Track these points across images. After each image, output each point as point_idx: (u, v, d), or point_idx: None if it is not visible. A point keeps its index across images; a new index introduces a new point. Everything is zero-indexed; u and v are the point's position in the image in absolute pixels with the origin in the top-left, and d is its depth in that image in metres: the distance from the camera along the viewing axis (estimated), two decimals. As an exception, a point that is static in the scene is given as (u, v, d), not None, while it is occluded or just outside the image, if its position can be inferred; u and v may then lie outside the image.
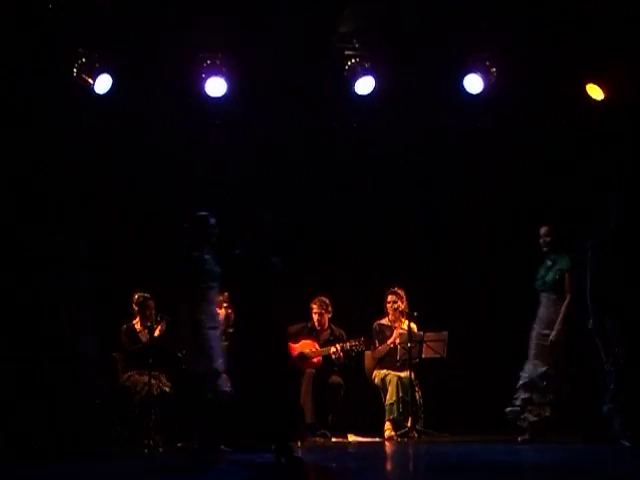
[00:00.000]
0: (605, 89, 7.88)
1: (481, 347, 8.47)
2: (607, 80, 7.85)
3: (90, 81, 7.46)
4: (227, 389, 6.28)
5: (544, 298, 7.17)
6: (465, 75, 7.89)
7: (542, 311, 7.16)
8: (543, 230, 7.24)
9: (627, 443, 6.24)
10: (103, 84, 7.51)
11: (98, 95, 7.53)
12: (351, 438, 7.77)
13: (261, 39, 7.29)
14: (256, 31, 7.22)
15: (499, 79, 7.86)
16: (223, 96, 7.79)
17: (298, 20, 7.10)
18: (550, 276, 7.15)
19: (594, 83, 7.89)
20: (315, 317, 8.16)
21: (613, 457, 5.95)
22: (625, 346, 6.31)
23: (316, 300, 8.17)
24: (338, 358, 7.96)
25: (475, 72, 7.86)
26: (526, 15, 7.33)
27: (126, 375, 7.37)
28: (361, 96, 7.91)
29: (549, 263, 7.20)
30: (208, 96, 7.76)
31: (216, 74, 7.65)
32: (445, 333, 8.19)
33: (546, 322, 7.11)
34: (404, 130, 8.27)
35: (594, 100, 7.96)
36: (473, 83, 7.90)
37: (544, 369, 7.02)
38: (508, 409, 7.14)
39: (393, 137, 8.34)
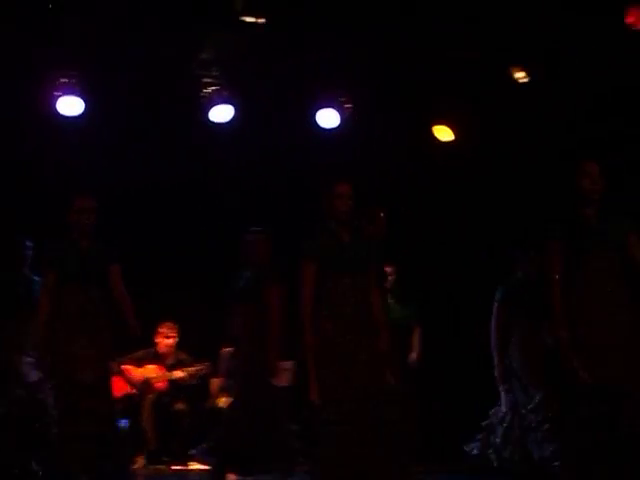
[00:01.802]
0: (453, 130, 8.24)
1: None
2: (454, 122, 8.20)
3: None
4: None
5: None
6: (319, 109, 8.08)
7: None
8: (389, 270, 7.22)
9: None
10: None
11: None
12: (192, 466, 7.73)
13: (118, 59, 7.26)
14: (114, 51, 7.19)
15: (354, 115, 8.07)
16: (79, 115, 7.70)
17: (157, 42, 7.12)
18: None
19: (442, 125, 8.24)
20: (161, 342, 8.12)
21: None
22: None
23: (162, 325, 8.13)
24: (183, 381, 7.95)
25: (329, 107, 8.05)
26: (381, 54, 7.57)
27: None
28: (218, 124, 7.96)
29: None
30: (61, 115, 7.66)
31: (71, 93, 7.55)
32: (291, 363, 8.26)
33: None
34: (256, 161, 8.36)
35: (442, 141, 8.31)
36: (327, 118, 8.09)
37: None
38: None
39: (245, 167, 8.40)
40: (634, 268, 4.93)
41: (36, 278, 6.52)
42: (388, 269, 6.79)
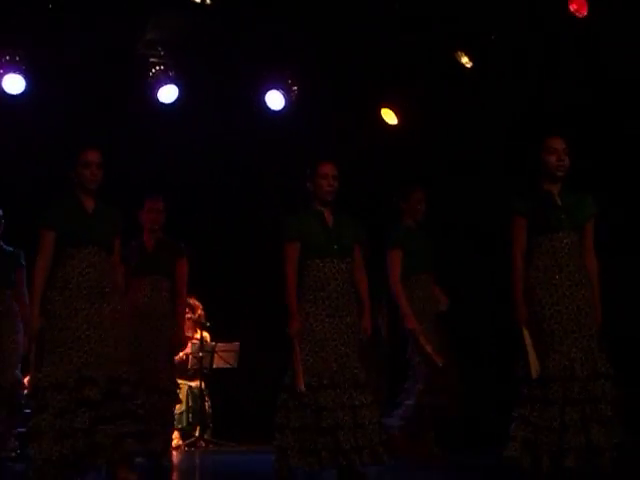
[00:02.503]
0: (398, 113, 8.31)
1: (271, 358, 8.61)
2: (400, 105, 8.28)
3: None
4: None
5: None
6: (266, 91, 8.08)
7: None
8: None
9: None
10: None
11: None
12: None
13: (63, 38, 7.18)
14: (59, 29, 7.10)
15: (300, 97, 8.09)
16: (22, 94, 7.59)
17: (103, 22, 7.05)
18: None
19: (388, 108, 8.30)
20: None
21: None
22: None
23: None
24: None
25: (277, 89, 8.06)
26: (328, 37, 7.59)
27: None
28: (164, 104, 7.92)
29: None
30: (5, 92, 7.55)
31: (15, 71, 7.45)
32: (237, 344, 8.32)
33: None
34: (203, 142, 8.33)
35: (388, 124, 8.37)
36: (274, 99, 8.10)
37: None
38: None
39: (191, 148, 8.37)
40: (584, 254, 4.93)
41: (9, 248, 6.50)
42: None
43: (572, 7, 6.96)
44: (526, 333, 4.83)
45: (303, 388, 5.04)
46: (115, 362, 4.97)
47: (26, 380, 6.09)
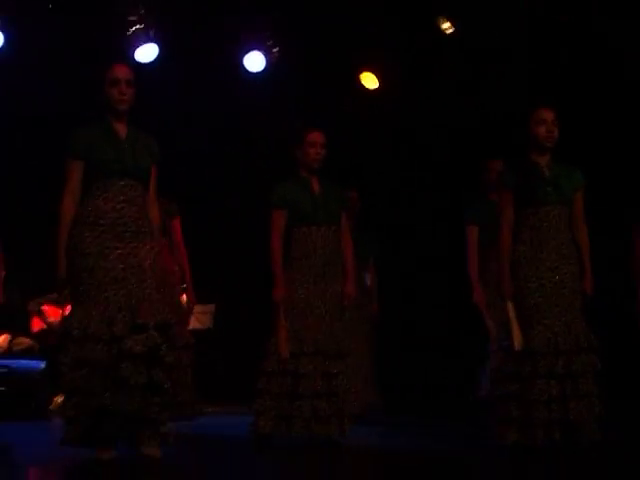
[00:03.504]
0: (379, 78, 8.28)
1: (248, 320, 8.64)
2: (380, 69, 8.24)
3: None
4: None
5: None
6: (247, 53, 8.01)
7: None
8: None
9: None
10: None
11: None
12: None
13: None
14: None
15: (280, 59, 8.04)
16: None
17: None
18: None
19: (368, 72, 8.27)
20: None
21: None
22: None
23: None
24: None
25: (256, 50, 8.00)
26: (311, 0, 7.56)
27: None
28: (143, 64, 7.83)
29: None
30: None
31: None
32: (212, 306, 8.31)
33: None
34: (182, 103, 8.26)
35: (368, 88, 8.34)
36: (254, 61, 8.04)
37: None
38: None
39: (169, 107, 8.29)
40: (573, 226, 4.89)
41: None
42: None
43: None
44: (510, 306, 4.82)
45: (286, 354, 5.07)
46: (162, 305, 4.39)
47: None
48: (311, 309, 5.14)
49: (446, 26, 7.77)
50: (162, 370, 4.29)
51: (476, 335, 6.06)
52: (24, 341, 7.57)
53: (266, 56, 8.02)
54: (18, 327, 7.64)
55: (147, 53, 7.75)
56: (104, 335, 4.18)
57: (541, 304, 4.77)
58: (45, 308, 7.90)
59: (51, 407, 7.26)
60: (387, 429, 6.50)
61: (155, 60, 7.79)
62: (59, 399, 7.45)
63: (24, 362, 7.19)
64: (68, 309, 7.80)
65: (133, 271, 4.29)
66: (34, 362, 7.22)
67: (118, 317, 4.21)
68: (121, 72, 4.45)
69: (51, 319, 7.90)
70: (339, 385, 5.13)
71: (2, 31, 7.38)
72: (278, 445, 5.12)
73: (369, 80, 8.31)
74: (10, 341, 7.49)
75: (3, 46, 7.44)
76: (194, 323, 8.22)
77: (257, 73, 8.12)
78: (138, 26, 7.61)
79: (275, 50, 7.99)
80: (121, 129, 4.50)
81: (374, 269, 7.26)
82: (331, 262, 5.19)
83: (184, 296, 7.77)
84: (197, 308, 8.26)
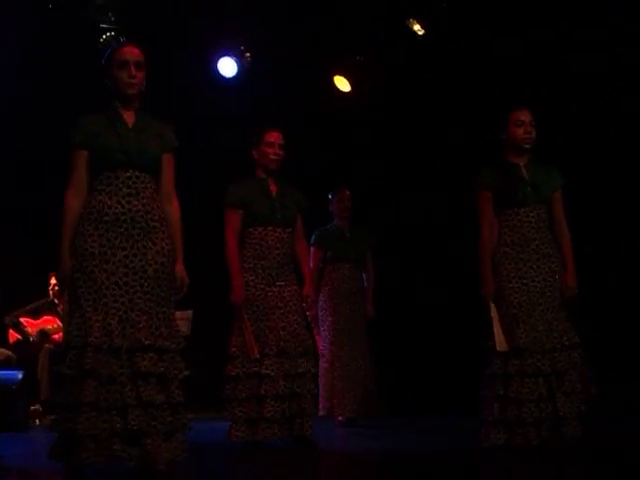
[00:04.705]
0: (351, 81, 8.30)
1: (226, 326, 8.61)
2: (352, 72, 8.27)
3: None
4: None
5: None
6: (220, 58, 8.01)
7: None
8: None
9: None
10: None
11: None
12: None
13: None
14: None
15: (253, 64, 8.04)
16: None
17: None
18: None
19: (341, 75, 8.29)
20: (52, 292, 8.00)
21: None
22: None
23: (54, 274, 8.01)
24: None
25: (229, 56, 8.00)
26: (282, 4, 7.55)
27: None
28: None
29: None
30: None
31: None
32: (190, 312, 8.29)
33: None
34: (154, 110, 8.22)
35: (341, 91, 8.36)
36: (227, 66, 8.03)
37: None
38: None
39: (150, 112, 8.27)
40: (554, 225, 4.91)
41: None
42: None
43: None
44: (492, 307, 4.84)
45: (257, 355, 5.06)
46: (163, 322, 4.16)
47: None
48: (272, 309, 5.16)
49: (417, 28, 7.80)
50: (177, 387, 4.13)
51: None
52: (2, 352, 7.54)
53: (238, 61, 8.02)
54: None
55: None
56: (104, 345, 3.91)
57: (524, 303, 4.80)
58: (22, 320, 7.87)
59: (37, 421, 7.27)
60: (383, 431, 6.46)
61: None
62: (37, 409, 7.45)
63: (1, 373, 7.14)
64: (43, 318, 7.89)
65: (136, 277, 4.00)
66: (12, 372, 7.17)
67: (118, 329, 3.95)
68: (130, 53, 4.13)
69: (28, 329, 7.87)
70: (302, 385, 5.13)
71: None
72: (257, 450, 5.10)
73: (342, 83, 8.33)
74: (-13, 352, 7.47)
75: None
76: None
77: (230, 78, 8.12)
78: (109, 34, 7.60)
79: (247, 55, 7.99)
80: (129, 116, 4.18)
81: (373, 263, 7.08)
82: (284, 264, 5.21)
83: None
84: (175, 315, 8.24)
